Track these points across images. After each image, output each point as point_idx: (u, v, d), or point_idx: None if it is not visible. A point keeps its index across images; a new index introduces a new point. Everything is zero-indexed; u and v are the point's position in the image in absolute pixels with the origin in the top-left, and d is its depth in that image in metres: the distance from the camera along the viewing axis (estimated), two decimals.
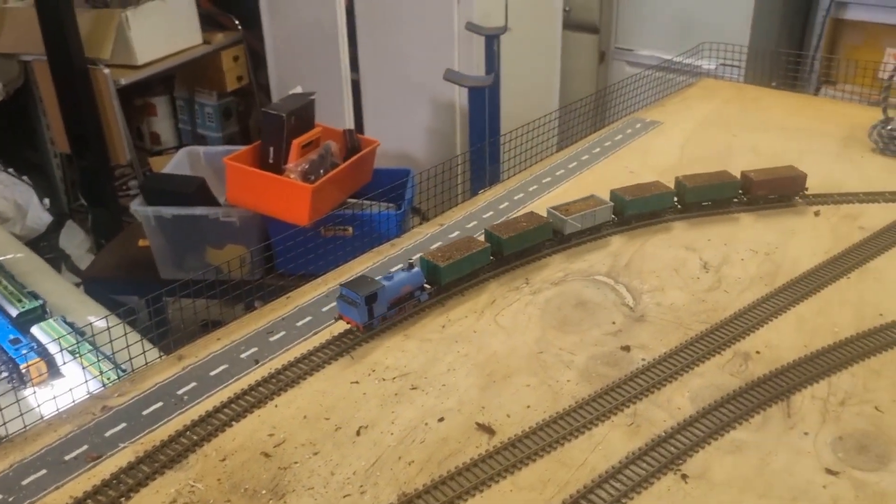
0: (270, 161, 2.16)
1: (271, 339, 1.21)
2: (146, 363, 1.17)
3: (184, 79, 3.58)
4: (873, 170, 1.75)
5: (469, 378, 1.13)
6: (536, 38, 3.05)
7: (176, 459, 0.98)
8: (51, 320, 1.61)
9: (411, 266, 1.26)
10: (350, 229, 2.22)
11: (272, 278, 2.12)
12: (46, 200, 3.32)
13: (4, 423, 1.05)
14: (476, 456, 0.98)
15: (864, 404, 1.08)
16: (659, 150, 1.87)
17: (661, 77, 2.27)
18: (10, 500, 0.93)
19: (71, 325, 1.60)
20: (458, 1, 2.71)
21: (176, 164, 2.56)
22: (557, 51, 3.16)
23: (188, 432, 1.02)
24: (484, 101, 2.49)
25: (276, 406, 1.08)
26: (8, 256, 2.07)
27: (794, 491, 0.94)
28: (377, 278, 1.21)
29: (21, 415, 1.06)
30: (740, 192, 1.59)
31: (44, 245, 3.21)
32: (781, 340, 1.20)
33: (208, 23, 3.45)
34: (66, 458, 0.99)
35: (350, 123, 3.04)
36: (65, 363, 1.43)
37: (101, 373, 1.44)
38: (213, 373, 1.14)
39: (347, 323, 1.21)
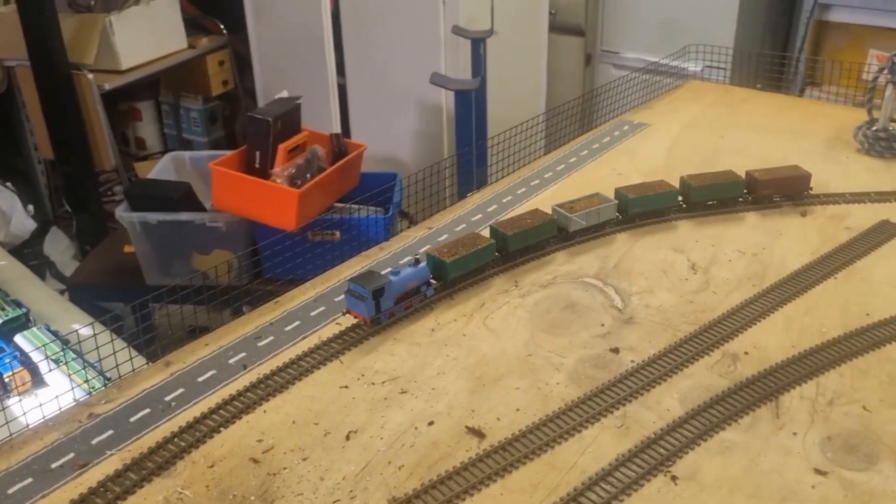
0: (257, 166, 2.15)
1: (259, 344, 1.21)
2: (133, 370, 1.15)
3: (169, 83, 3.57)
4: (859, 170, 1.77)
5: (458, 382, 1.12)
6: (523, 41, 3.06)
7: (164, 466, 0.97)
8: (35, 329, 1.60)
9: (417, 261, 1.28)
10: (337, 234, 2.22)
11: (259, 283, 2.10)
12: (30, 207, 3.30)
13: None
14: (466, 460, 0.98)
15: (852, 404, 1.08)
16: (646, 152, 1.88)
17: (648, 79, 2.28)
18: None
19: (55, 333, 1.58)
20: (445, 4, 2.71)
21: (161, 169, 2.54)
22: (544, 54, 3.17)
23: (176, 439, 1.01)
24: (471, 105, 2.49)
25: (264, 412, 1.07)
26: None
27: (783, 491, 0.94)
28: (383, 272, 1.23)
29: (7, 423, 1.04)
30: (745, 191, 1.60)
31: (28, 252, 3.18)
32: (769, 341, 1.21)
33: (193, 27, 3.44)
34: (53, 466, 0.98)
35: (337, 127, 3.02)
36: (49, 371, 1.41)
37: (86, 381, 1.42)
38: (200, 379, 1.13)
39: (355, 317, 1.23)
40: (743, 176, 1.60)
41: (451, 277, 1.31)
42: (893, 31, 2.55)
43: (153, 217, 2.27)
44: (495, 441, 1.01)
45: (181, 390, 1.10)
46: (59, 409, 1.08)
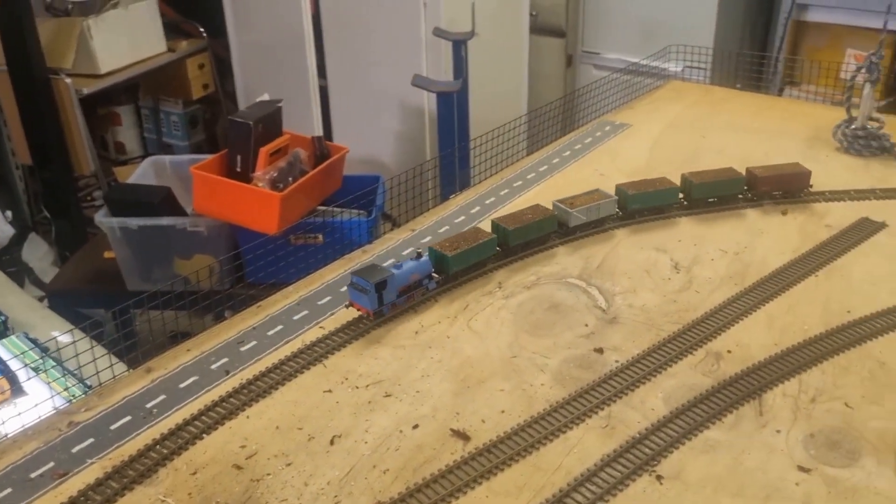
0: (238, 169, 2.14)
1: (242, 349, 1.20)
2: (113, 376, 1.14)
3: (148, 87, 3.54)
4: (838, 169, 1.78)
5: (443, 384, 1.12)
6: (504, 42, 3.06)
7: (145, 474, 0.96)
8: (13, 336, 1.58)
9: (419, 255, 1.29)
10: (320, 237, 2.21)
11: (241, 288, 2.10)
12: (8, 213, 3.26)
13: None
14: (451, 462, 0.97)
15: (834, 401, 1.09)
16: (628, 153, 1.89)
17: (629, 80, 2.29)
18: None
19: (34, 341, 1.57)
20: (425, 6, 2.71)
21: (141, 173, 2.53)
22: (525, 55, 3.17)
23: (158, 446, 1.00)
24: (453, 107, 2.49)
25: (247, 417, 1.06)
26: None
27: (767, 489, 0.95)
28: (385, 264, 1.25)
29: None
30: (745, 188, 1.62)
31: (6, 258, 3.14)
32: (752, 339, 1.21)
33: (172, 30, 3.42)
34: (32, 475, 0.97)
35: (318, 130, 3.03)
36: (28, 380, 1.39)
37: (66, 389, 1.41)
38: (182, 385, 1.11)
39: (358, 310, 1.24)
40: (743, 173, 1.62)
41: (452, 271, 1.33)
42: (870, 30, 2.57)
43: (133, 222, 2.25)
44: (480, 443, 1.00)
45: (162, 397, 1.09)
46: (39, 417, 1.06)
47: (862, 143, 1.84)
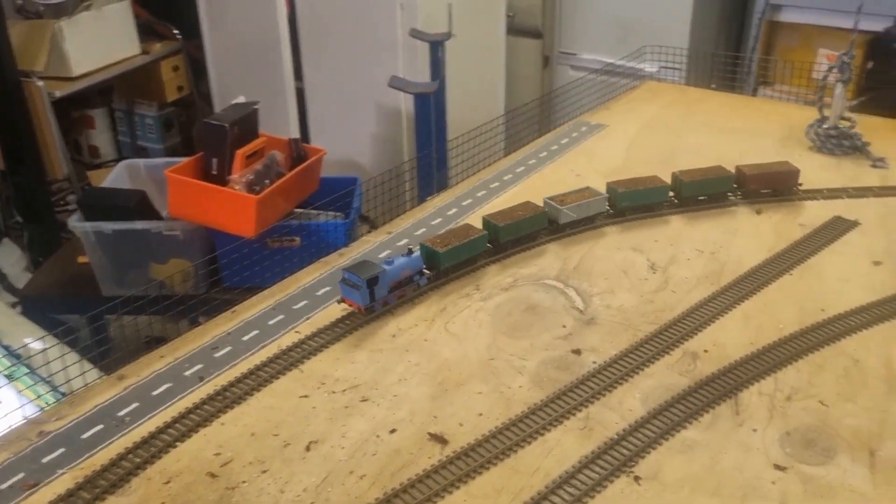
0: (214, 172, 2.11)
1: (216, 354, 1.18)
2: (85, 384, 1.12)
3: (122, 90, 3.50)
4: (811, 168, 1.79)
5: (420, 388, 1.11)
6: (481, 43, 3.06)
7: (118, 484, 0.94)
8: None
9: (411, 251, 1.30)
10: (297, 240, 2.19)
11: (218, 292, 2.08)
12: None
13: None
14: (429, 467, 0.97)
15: (809, 399, 1.09)
16: (604, 153, 1.89)
17: (605, 80, 2.30)
18: None
19: (7, 347, 1.54)
20: (402, 7, 2.70)
21: (116, 177, 2.50)
22: (502, 56, 3.17)
23: (130, 455, 0.98)
24: (430, 108, 2.48)
25: (222, 424, 1.04)
26: None
27: (744, 488, 0.95)
28: (378, 257, 1.26)
29: None
30: (735, 186, 1.63)
31: None
32: (728, 338, 1.22)
33: (146, 32, 3.38)
34: (2, 486, 0.95)
35: (295, 132, 3.01)
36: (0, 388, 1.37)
37: (39, 396, 1.38)
38: (155, 392, 1.10)
39: (350, 306, 1.25)
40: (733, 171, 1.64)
41: (443, 267, 1.34)
42: (842, 30, 2.60)
43: (108, 226, 2.22)
44: (458, 447, 1.00)
45: (135, 405, 1.07)
46: (9, 427, 1.04)
47: (834, 142, 1.86)
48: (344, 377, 1.13)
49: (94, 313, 1.27)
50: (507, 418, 1.05)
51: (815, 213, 1.59)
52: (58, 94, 2.99)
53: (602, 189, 1.56)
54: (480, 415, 1.06)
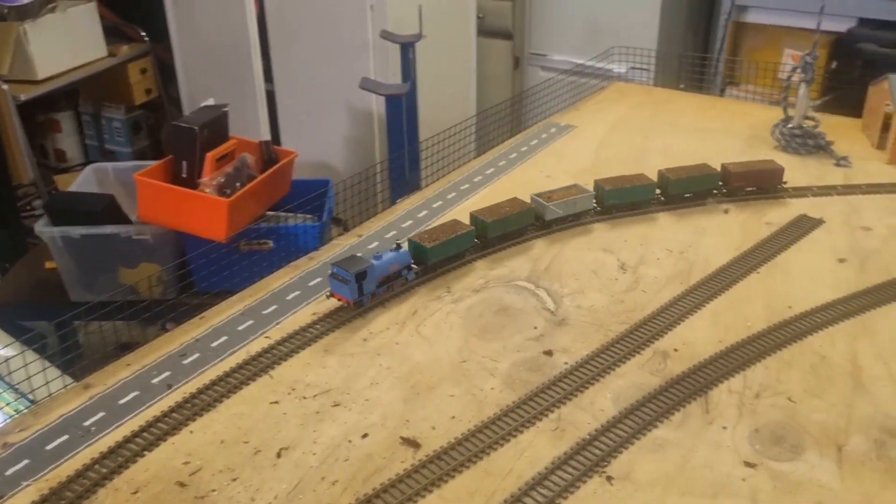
0: (184, 175, 2.09)
1: (184, 362, 1.17)
2: (49, 394, 1.10)
3: (89, 93, 3.46)
4: None
5: (392, 391, 1.11)
6: (451, 44, 3.06)
7: (84, 496, 0.93)
8: None
9: (399, 246, 1.32)
10: (270, 243, 2.18)
11: (189, 296, 2.05)
12: None
13: None
14: (402, 471, 0.96)
15: (778, 396, 1.11)
16: (574, 154, 1.90)
17: (575, 81, 2.31)
18: None
19: None
20: (372, 9, 2.69)
21: (83, 181, 2.46)
22: (473, 57, 3.18)
23: (96, 465, 0.96)
24: (401, 109, 2.48)
25: (191, 432, 1.03)
26: None
27: (714, 486, 0.96)
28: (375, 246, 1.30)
29: None
30: (720, 184, 1.65)
31: None
32: (697, 337, 1.23)
33: (113, 35, 3.34)
34: None
35: (266, 135, 2.98)
36: None
37: (8, 404, 1.36)
38: (122, 401, 1.08)
39: (339, 300, 1.27)
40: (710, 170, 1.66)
41: (431, 262, 1.36)
42: (807, 31, 2.64)
43: (76, 231, 2.19)
44: (431, 450, 0.99)
45: (101, 414, 1.06)
46: None
47: (799, 141, 1.89)
48: (315, 382, 1.13)
49: (63, 320, 1.25)
50: (479, 421, 1.05)
51: (780, 212, 1.61)
52: (23, 97, 2.95)
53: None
54: (453, 418, 1.06)
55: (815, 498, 0.94)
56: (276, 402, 1.09)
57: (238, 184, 2.10)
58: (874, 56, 2.50)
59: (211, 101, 2.30)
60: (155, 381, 1.12)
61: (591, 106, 2.22)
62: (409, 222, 1.58)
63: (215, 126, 2.13)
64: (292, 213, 2.22)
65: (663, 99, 2.27)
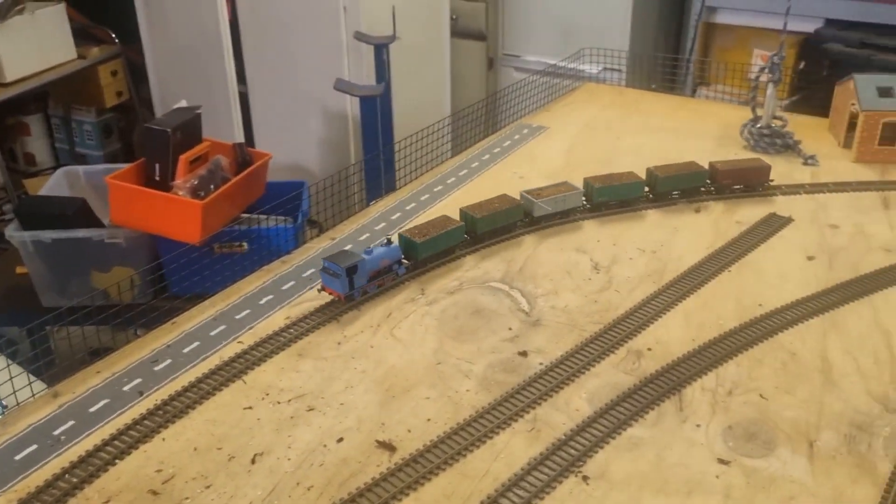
0: (157, 178, 2.07)
1: (156, 368, 1.15)
2: (17, 403, 1.08)
3: (59, 95, 3.41)
4: None
5: (367, 395, 1.11)
6: (425, 46, 3.06)
7: None
8: None
9: (389, 242, 1.34)
10: (245, 245, 2.16)
11: (163, 300, 2.03)
12: None
13: None
14: (377, 475, 0.96)
15: (750, 393, 1.12)
16: (546, 154, 1.91)
17: (547, 82, 2.32)
18: None
19: None
20: (345, 10, 2.68)
21: (53, 185, 2.44)
22: (447, 58, 3.18)
23: (67, 475, 0.95)
24: (376, 110, 2.48)
25: (163, 440, 1.02)
26: None
27: (689, 484, 0.97)
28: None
29: None
30: (708, 181, 1.67)
31: None
32: (671, 336, 1.24)
33: (82, 37, 3.29)
34: None
35: (240, 137, 2.96)
36: None
37: None
38: (92, 409, 1.07)
39: (330, 294, 1.29)
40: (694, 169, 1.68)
41: (421, 257, 1.38)
42: (775, 31, 2.67)
43: (47, 235, 2.17)
44: (406, 454, 0.99)
45: (71, 423, 1.04)
46: None
47: (767, 141, 1.91)
48: (289, 387, 1.12)
49: (34, 325, 1.23)
50: (455, 423, 1.05)
51: (750, 211, 1.63)
52: None
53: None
54: (428, 420, 1.06)
55: (787, 493, 0.95)
56: (250, 408, 1.08)
57: (212, 186, 2.09)
58: (840, 56, 2.53)
59: (183, 103, 2.28)
60: (126, 388, 1.11)
61: (563, 107, 2.23)
62: (383, 224, 1.57)
63: (188, 128, 2.11)
64: (267, 215, 2.20)
65: (633, 100, 2.29)
